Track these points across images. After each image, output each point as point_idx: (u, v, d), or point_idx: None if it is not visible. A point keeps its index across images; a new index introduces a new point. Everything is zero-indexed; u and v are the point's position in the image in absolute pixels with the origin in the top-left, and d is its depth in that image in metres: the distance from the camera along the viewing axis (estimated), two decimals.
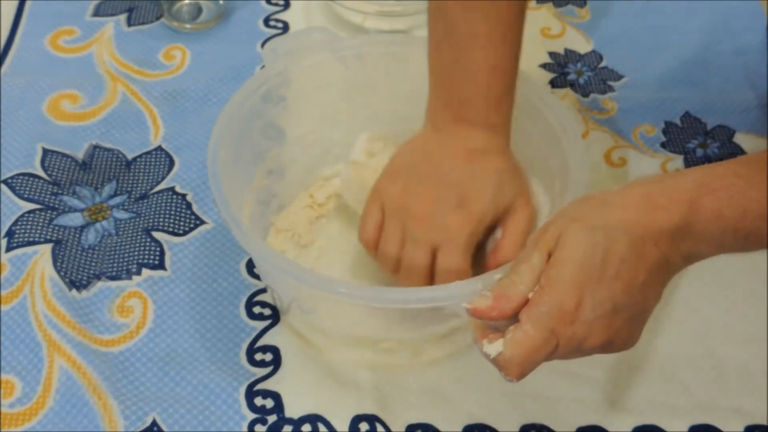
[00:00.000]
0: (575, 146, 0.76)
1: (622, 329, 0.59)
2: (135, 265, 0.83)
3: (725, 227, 0.58)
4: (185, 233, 0.87)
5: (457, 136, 0.75)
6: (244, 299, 0.82)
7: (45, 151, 0.92)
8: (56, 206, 0.88)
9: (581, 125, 0.98)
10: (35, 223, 0.86)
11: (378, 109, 0.88)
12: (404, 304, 0.68)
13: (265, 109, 0.83)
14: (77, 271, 0.83)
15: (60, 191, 0.89)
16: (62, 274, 0.82)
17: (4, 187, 0.88)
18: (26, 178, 0.90)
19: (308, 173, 0.90)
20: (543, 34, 1.09)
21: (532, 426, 0.75)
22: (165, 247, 0.85)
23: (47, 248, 0.84)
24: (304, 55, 0.84)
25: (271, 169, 0.85)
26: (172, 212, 0.88)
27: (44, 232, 0.85)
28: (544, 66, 1.06)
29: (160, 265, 0.84)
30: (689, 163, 0.95)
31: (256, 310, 0.81)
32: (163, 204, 0.89)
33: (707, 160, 0.95)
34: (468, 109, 0.75)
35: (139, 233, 0.86)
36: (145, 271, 0.83)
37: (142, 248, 0.85)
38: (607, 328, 0.58)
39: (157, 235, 0.86)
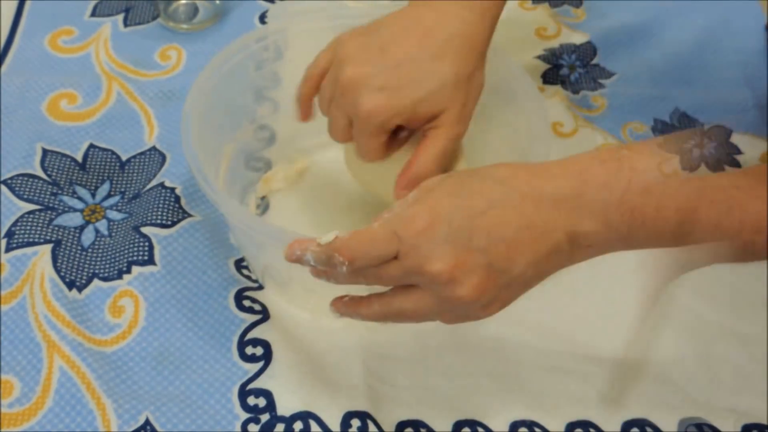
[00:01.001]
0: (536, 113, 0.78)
1: (473, 273, 0.58)
2: (126, 264, 0.84)
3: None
4: (173, 224, 0.87)
5: (430, 10, 0.72)
6: (233, 291, 0.83)
7: (44, 152, 0.93)
8: (56, 206, 0.88)
9: (571, 122, 0.99)
10: (35, 224, 0.87)
11: None
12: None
13: (256, 70, 0.86)
14: (76, 272, 0.83)
15: (59, 191, 0.90)
16: (62, 274, 0.83)
17: (3, 188, 0.89)
18: (26, 178, 0.90)
19: (294, 140, 0.92)
20: (538, 35, 1.10)
21: (522, 422, 0.76)
22: (153, 241, 0.86)
23: (47, 249, 0.85)
24: (304, 19, 0.86)
25: (262, 125, 0.89)
26: (161, 206, 0.89)
27: (44, 233, 0.86)
28: (539, 57, 1.06)
29: (150, 261, 0.85)
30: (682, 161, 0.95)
31: (246, 303, 0.82)
32: (153, 200, 0.89)
33: (702, 159, 0.95)
34: None
35: (130, 231, 0.87)
36: (135, 269, 0.84)
37: (133, 246, 0.85)
38: (456, 259, 0.58)
39: (145, 230, 0.87)
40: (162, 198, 0.89)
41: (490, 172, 0.61)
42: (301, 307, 0.82)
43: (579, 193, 0.59)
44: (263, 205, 0.88)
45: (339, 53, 0.72)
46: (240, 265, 0.85)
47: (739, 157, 0.96)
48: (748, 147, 0.97)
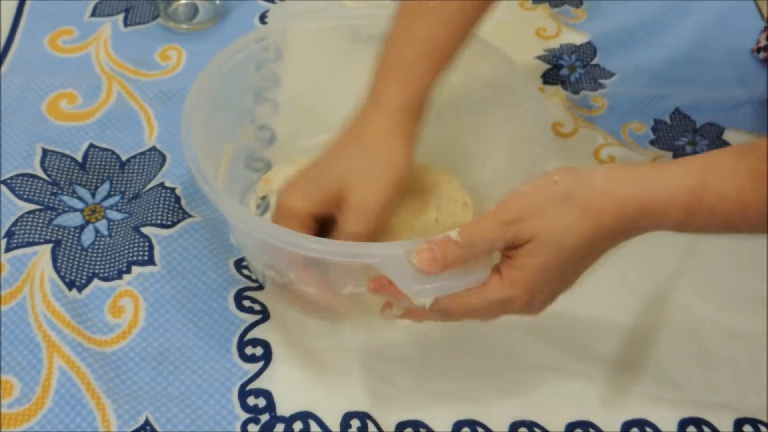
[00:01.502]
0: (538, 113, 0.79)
1: (543, 294, 0.65)
2: (125, 264, 0.84)
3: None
4: (173, 224, 0.87)
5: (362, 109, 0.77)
6: (233, 291, 0.83)
7: (44, 152, 0.93)
8: (55, 206, 0.88)
9: (571, 122, 0.99)
10: (35, 224, 0.87)
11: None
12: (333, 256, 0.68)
13: (256, 70, 0.86)
14: (76, 272, 0.83)
15: (59, 191, 0.90)
16: (62, 274, 0.83)
17: (3, 188, 0.89)
18: (26, 178, 0.90)
19: (294, 140, 0.92)
20: (538, 35, 1.10)
21: (522, 422, 0.76)
22: (154, 241, 0.86)
23: (47, 249, 0.85)
24: (305, 19, 0.87)
25: (262, 125, 0.89)
26: (161, 206, 0.89)
27: (44, 233, 0.86)
28: (539, 57, 1.06)
29: (150, 261, 0.85)
30: None
31: (246, 303, 0.82)
32: (153, 200, 0.89)
33: None
34: (375, 78, 0.76)
35: (130, 231, 0.87)
36: (135, 269, 0.84)
37: (133, 246, 0.86)
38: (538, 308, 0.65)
39: (146, 230, 0.87)
40: (162, 198, 0.89)
41: (574, 224, 0.62)
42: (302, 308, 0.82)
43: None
44: (263, 205, 0.88)
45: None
46: (240, 265, 0.85)
47: None
48: (741, 143, 0.97)
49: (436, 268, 0.62)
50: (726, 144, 0.97)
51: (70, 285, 0.82)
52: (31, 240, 0.85)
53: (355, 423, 0.75)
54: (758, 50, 1.06)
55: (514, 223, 0.61)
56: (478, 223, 0.62)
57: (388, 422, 0.75)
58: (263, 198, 0.89)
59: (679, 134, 0.98)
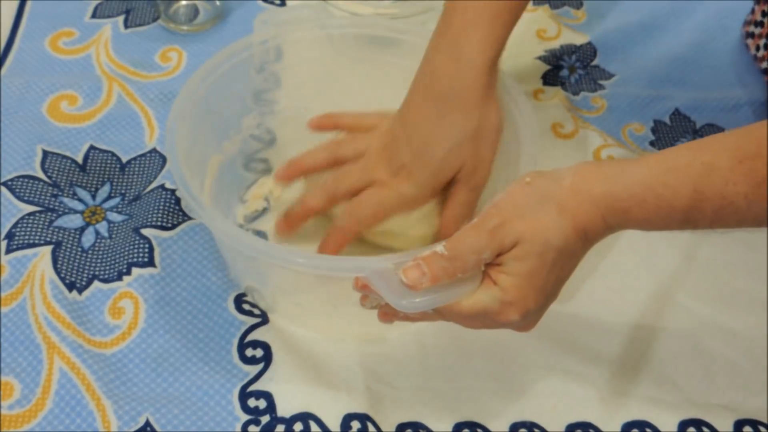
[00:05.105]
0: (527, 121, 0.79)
1: (538, 314, 0.66)
2: (126, 265, 0.84)
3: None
4: (173, 227, 0.88)
5: (426, 75, 0.77)
6: (233, 294, 0.83)
7: (45, 153, 0.93)
8: (56, 208, 0.88)
9: (571, 123, 0.99)
10: (35, 225, 0.87)
11: (362, 94, 0.90)
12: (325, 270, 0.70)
13: (249, 76, 0.87)
14: (77, 273, 0.84)
15: (60, 193, 0.90)
16: (62, 276, 0.83)
17: (4, 189, 0.89)
18: (26, 180, 0.90)
19: (294, 144, 0.92)
20: (538, 36, 1.10)
21: (522, 423, 0.76)
22: (154, 243, 0.86)
23: (47, 250, 0.85)
24: (294, 29, 0.87)
25: (252, 134, 0.90)
26: (161, 208, 0.89)
27: (44, 234, 0.86)
28: (539, 58, 1.06)
29: (150, 263, 0.85)
30: None
31: (246, 306, 0.82)
32: (153, 201, 0.89)
33: None
34: (449, 30, 0.76)
35: (130, 233, 0.87)
36: (136, 270, 0.84)
37: (133, 247, 0.85)
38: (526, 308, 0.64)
39: (146, 232, 0.87)
40: (162, 200, 0.89)
41: (555, 226, 0.62)
42: (290, 322, 0.82)
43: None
44: (251, 217, 0.89)
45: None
46: None
47: None
48: None
49: (424, 283, 0.62)
50: None
51: (71, 286, 0.82)
52: (31, 242, 0.85)
53: (356, 424, 0.75)
54: (748, 32, 1.06)
55: (497, 229, 0.61)
56: (463, 235, 0.62)
57: (389, 423, 0.75)
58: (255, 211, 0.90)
59: (679, 135, 0.98)
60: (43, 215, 0.88)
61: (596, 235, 0.63)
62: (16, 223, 0.87)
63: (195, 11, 1.09)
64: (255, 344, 0.80)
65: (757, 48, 1.03)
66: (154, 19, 1.09)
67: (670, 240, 0.87)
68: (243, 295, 0.83)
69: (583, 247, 0.64)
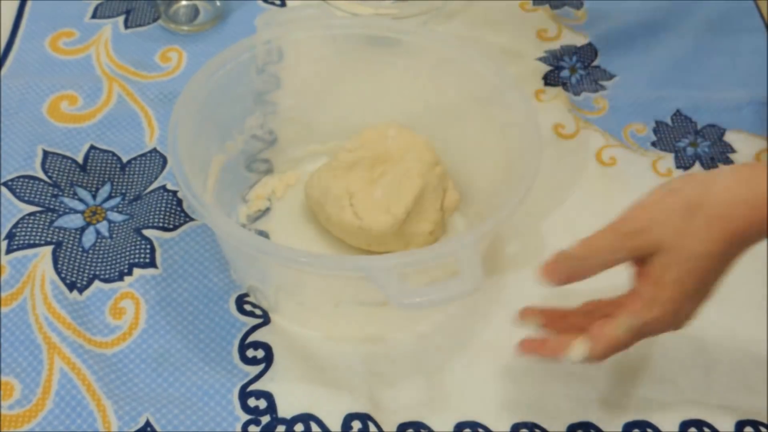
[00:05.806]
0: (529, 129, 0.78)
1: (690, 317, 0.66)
2: (126, 266, 0.84)
3: None
4: (175, 228, 0.87)
5: None
6: (234, 295, 0.83)
7: (45, 153, 0.93)
8: (56, 208, 0.88)
9: (573, 123, 0.99)
10: (36, 226, 0.86)
11: (363, 94, 0.91)
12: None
13: (251, 77, 0.86)
14: (77, 273, 0.83)
15: (60, 193, 0.90)
16: (62, 276, 0.83)
17: (4, 190, 0.89)
18: (26, 180, 0.90)
19: (294, 145, 0.93)
20: (539, 37, 1.09)
21: (524, 424, 0.76)
22: (155, 244, 0.86)
23: (48, 250, 0.85)
24: (296, 28, 0.87)
25: (254, 134, 0.90)
26: (162, 209, 0.89)
27: (45, 235, 0.86)
28: (540, 59, 1.06)
29: (151, 263, 0.85)
30: (679, 161, 0.96)
31: (247, 308, 0.82)
32: (154, 202, 0.89)
33: (697, 158, 0.96)
34: None
35: (131, 233, 0.87)
36: (137, 271, 0.84)
37: (134, 248, 0.85)
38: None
39: (147, 232, 0.87)
40: (164, 201, 0.89)
41: (703, 233, 0.61)
42: (292, 322, 0.82)
43: None
44: (253, 216, 0.89)
45: None
46: None
47: (732, 155, 0.97)
48: (743, 145, 0.98)
49: (555, 281, 0.63)
50: (727, 145, 0.98)
51: (71, 286, 0.82)
52: (31, 242, 0.85)
53: (357, 424, 0.75)
54: None
55: (636, 235, 0.61)
56: (598, 235, 0.63)
57: (390, 423, 0.75)
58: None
59: (681, 135, 0.98)
60: (43, 215, 0.88)
61: (751, 238, 0.62)
62: (17, 223, 0.87)
63: (195, 11, 1.08)
64: (256, 345, 0.80)
65: None
66: (155, 20, 1.09)
67: None
68: (244, 296, 0.83)
69: (738, 250, 0.63)
